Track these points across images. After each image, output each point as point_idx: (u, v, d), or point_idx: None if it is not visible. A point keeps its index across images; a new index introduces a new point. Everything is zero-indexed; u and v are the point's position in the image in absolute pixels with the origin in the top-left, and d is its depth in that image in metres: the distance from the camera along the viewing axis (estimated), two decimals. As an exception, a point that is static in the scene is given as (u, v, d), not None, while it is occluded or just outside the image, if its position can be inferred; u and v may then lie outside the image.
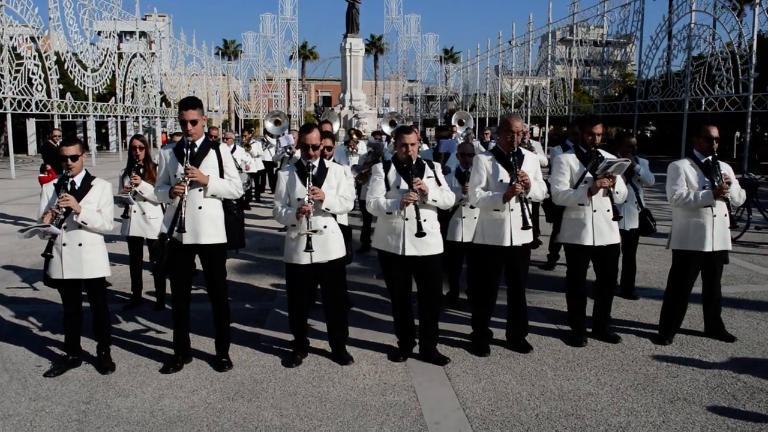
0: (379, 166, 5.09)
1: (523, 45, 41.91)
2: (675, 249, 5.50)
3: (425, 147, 10.66)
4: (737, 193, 5.42)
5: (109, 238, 9.17)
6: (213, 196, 4.77)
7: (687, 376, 4.77)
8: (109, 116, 34.53)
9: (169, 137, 22.98)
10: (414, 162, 4.91)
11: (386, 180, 4.98)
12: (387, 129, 17.90)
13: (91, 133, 32.40)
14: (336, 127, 20.20)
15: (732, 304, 6.60)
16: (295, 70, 59.75)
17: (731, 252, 9.04)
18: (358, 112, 32.60)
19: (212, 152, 4.83)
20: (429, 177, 4.97)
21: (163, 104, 40.75)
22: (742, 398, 4.42)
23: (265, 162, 14.59)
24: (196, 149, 4.73)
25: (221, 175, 4.80)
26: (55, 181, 4.83)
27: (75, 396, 4.46)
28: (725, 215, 5.33)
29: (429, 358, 5.04)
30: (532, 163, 5.18)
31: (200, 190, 4.72)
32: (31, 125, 37.50)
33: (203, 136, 4.85)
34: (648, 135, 46.98)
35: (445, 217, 6.60)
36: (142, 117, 36.95)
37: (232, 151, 11.89)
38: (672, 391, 4.52)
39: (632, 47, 32.15)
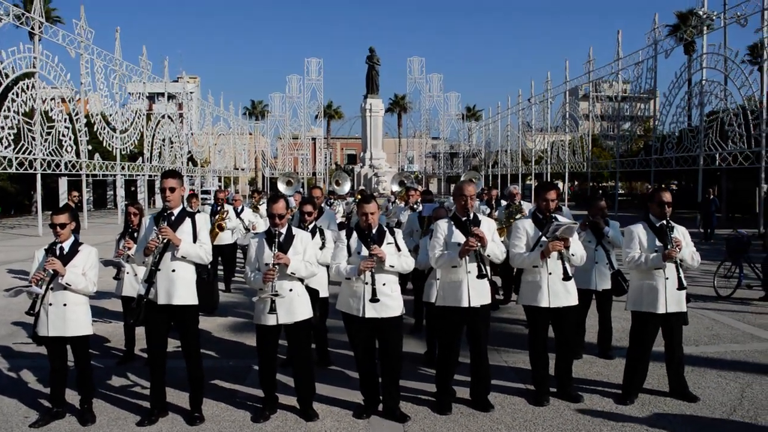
0: (343, 234, 5.45)
1: (541, 102, 42.61)
2: (632, 310, 5.69)
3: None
4: (689, 255, 5.61)
5: (108, 296, 9.68)
6: (184, 259, 5.15)
7: (638, 436, 4.90)
8: (138, 175, 35.74)
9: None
10: (375, 230, 5.26)
11: (348, 246, 5.33)
12: (396, 188, 18.38)
13: (120, 191, 33.57)
14: (347, 187, 20.80)
15: (707, 364, 6.70)
16: (320, 128, 61.26)
17: (731, 311, 9.11)
18: (378, 170, 33.16)
19: (188, 220, 5.26)
20: (389, 243, 5.30)
21: (190, 164, 41.97)
22: (686, 458, 4.54)
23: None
24: (173, 218, 5.18)
25: (194, 241, 5.20)
26: (46, 246, 5.29)
27: (52, 448, 4.78)
28: (678, 278, 5.51)
29: (391, 415, 5.26)
30: (488, 226, 5.49)
31: (174, 254, 5.11)
32: (63, 183, 38.94)
33: (181, 206, 5.30)
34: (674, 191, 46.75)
35: (421, 279, 6.89)
36: (170, 175, 38.03)
37: (240, 212, 12.40)
38: (618, 451, 4.65)
39: (655, 102, 32.50)
